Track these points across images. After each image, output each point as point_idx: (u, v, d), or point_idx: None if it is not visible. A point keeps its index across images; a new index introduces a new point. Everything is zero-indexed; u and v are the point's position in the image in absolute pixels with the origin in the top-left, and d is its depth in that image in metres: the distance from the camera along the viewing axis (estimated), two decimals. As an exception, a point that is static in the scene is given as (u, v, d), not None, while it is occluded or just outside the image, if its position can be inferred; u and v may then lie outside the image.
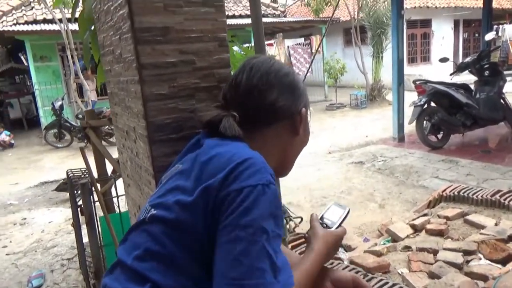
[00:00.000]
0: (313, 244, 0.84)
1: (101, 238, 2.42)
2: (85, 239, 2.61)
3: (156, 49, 1.00)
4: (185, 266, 0.70)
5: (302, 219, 2.90)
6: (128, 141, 1.26)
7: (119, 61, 1.16)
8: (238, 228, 0.64)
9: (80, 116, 7.91)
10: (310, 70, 13.41)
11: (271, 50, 11.34)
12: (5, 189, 6.13)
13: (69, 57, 8.26)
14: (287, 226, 2.04)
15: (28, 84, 10.98)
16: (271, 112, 0.86)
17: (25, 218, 4.73)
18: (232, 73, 1.03)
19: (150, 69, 1.00)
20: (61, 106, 8.86)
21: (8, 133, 9.52)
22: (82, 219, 2.50)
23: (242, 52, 2.84)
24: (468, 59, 6.29)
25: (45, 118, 10.03)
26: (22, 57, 12.85)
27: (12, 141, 9.42)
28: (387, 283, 2.04)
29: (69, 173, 2.69)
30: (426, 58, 15.85)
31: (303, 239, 2.59)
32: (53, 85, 10.41)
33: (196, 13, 1.04)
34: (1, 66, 12.41)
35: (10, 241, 4.07)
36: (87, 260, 2.72)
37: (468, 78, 7.24)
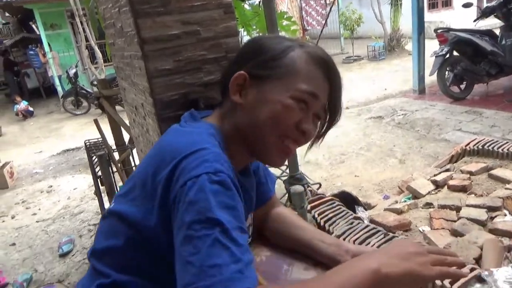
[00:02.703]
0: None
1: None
2: (107, 205, 2.69)
3: (157, 22, 0.94)
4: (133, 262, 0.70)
5: (320, 185, 2.88)
6: (138, 116, 1.23)
7: (121, 35, 1.10)
8: (184, 227, 0.57)
9: (95, 82, 7.93)
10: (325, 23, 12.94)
11: (282, 5, 10.88)
12: (30, 158, 6.32)
13: (79, 23, 8.15)
14: (305, 193, 2.02)
15: (42, 52, 10.97)
16: (222, 77, 0.84)
17: (51, 186, 4.89)
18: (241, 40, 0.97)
19: (153, 44, 0.95)
20: (76, 74, 8.89)
21: (26, 102, 9.68)
22: (103, 188, 2.55)
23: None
24: (493, 3, 5.89)
25: (61, 86, 10.10)
26: (34, 26, 12.76)
27: (31, 109, 9.59)
28: (408, 243, 2.02)
29: (87, 143, 2.71)
30: (448, 3, 14.96)
31: (321, 200, 2.58)
32: (66, 52, 10.38)
33: (197, -22, 0.96)
34: (14, 37, 12.40)
35: (39, 209, 4.23)
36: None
37: (493, 22, 6.82)
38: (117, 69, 1.36)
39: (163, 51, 0.96)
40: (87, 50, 9.72)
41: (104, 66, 9.74)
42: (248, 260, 0.56)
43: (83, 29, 8.90)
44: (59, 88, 10.24)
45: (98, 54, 8.99)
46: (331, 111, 0.83)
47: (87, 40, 9.33)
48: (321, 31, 4.10)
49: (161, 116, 0.99)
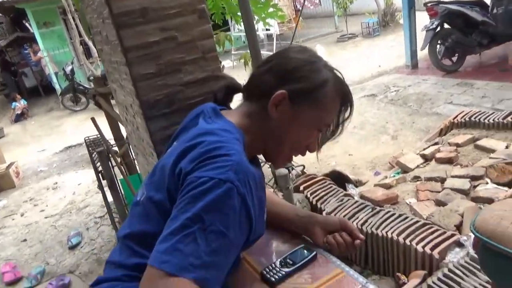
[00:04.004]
0: None
1: (125, 198, 2.61)
2: (111, 198, 2.82)
3: (138, 31, 1.04)
4: None
5: (304, 166, 3.00)
6: (129, 115, 1.34)
7: (107, 42, 1.20)
8: (180, 211, 0.70)
9: (92, 78, 7.99)
10: (318, 1, 12.85)
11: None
12: (34, 156, 6.46)
13: (71, 19, 8.17)
14: (290, 175, 2.14)
15: (33, 51, 11.00)
16: (254, 85, 0.92)
17: (56, 183, 5.04)
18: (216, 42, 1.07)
19: (135, 51, 1.05)
20: (72, 70, 8.94)
21: (25, 101, 9.80)
22: (105, 182, 2.68)
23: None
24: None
25: (58, 83, 10.17)
26: (27, 24, 12.73)
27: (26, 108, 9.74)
28: (393, 214, 2.15)
29: (86, 140, 2.83)
30: (441, -27, 14.76)
31: (313, 180, 2.70)
32: (61, 49, 10.40)
33: (171, -12, 1.05)
34: (8, 37, 12.39)
35: (46, 205, 4.39)
36: (115, 217, 2.95)
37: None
38: (107, 72, 1.46)
39: (145, 57, 1.07)
40: (81, 46, 9.76)
41: (100, 61, 9.79)
42: (211, 263, 0.68)
43: (76, 25, 8.92)
44: (57, 86, 10.31)
45: (93, 49, 8.98)
46: (334, 132, 0.97)
47: (80, 35, 9.37)
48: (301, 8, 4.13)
49: (148, 116, 1.11)
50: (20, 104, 9.55)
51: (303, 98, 0.86)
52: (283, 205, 1.10)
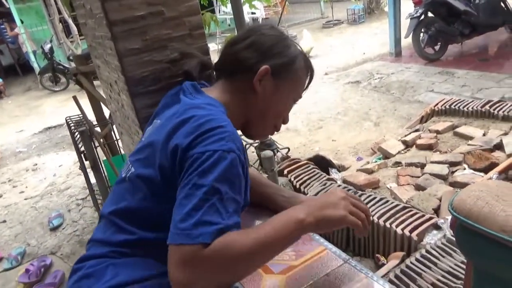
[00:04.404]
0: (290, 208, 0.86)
1: (108, 180, 2.58)
2: (93, 180, 2.78)
3: (123, 4, 1.01)
4: (159, 220, 0.78)
5: (289, 149, 3.03)
6: (113, 93, 1.32)
7: (91, 16, 1.17)
8: (194, 187, 0.71)
9: (72, 57, 7.77)
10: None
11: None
12: (12, 137, 6.29)
13: (50, -5, 7.89)
14: (275, 157, 2.15)
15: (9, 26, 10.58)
16: (233, 61, 0.94)
17: (36, 164, 4.93)
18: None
19: (121, 25, 1.03)
20: (51, 49, 8.65)
21: (1, 79, 9.46)
22: (87, 163, 2.64)
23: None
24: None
25: (37, 62, 9.86)
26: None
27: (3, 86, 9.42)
28: (374, 198, 2.20)
29: (68, 120, 2.77)
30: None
31: (297, 164, 2.73)
32: (39, 27, 10.06)
33: (158, -39, 1.03)
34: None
35: (26, 187, 4.30)
36: (98, 199, 2.91)
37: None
38: (91, 47, 1.43)
39: (131, 32, 1.04)
40: (61, 24, 9.44)
41: (80, 40, 9.52)
42: (232, 222, 0.71)
43: (55, 1, 8.61)
44: (35, 65, 9.99)
45: (73, 27, 8.71)
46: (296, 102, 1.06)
47: (60, 13, 9.08)
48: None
49: (134, 93, 1.09)
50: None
51: (283, 72, 0.94)
52: (268, 186, 1.11)
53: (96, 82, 2.95)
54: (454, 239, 1.79)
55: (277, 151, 2.66)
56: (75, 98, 2.40)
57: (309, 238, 0.99)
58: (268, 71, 0.91)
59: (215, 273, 0.70)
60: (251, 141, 2.79)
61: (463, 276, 1.57)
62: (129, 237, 0.81)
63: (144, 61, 1.07)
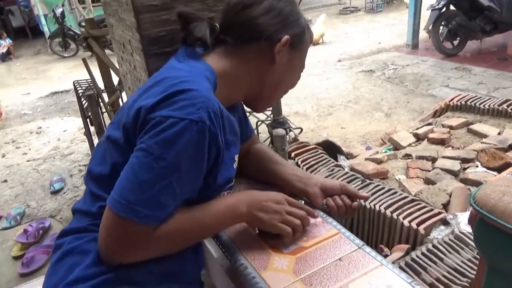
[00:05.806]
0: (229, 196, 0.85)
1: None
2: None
3: (144, -45, 0.94)
4: None
5: (301, 129, 2.96)
6: (126, 53, 1.26)
7: (108, -32, 1.10)
8: (152, 156, 0.64)
9: (83, 23, 7.66)
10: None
11: None
12: (18, 99, 6.26)
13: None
14: (287, 137, 2.10)
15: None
16: (248, 27, 0.84)
17: (40, 127, 4.90)
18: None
19: (140, -22, 0.96)
20: (63, 13, 8.54)
21: (11, 40, 9.38)
22: (93, 128, 2.60)
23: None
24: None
25: (47, 26, 9.74)
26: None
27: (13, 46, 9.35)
28: (383, 188, 2.14)
29: (75, 84, 2.71)
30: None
31: (305, 148, 2.67)
32: (52, -11, 9.90)
33: None
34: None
35: (29, 149, 4.28)
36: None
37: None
38: (105, 4, 1.36)
39: (150, -14, 0.98)
40: (74, -12, 9.29)
41: (93, 6, 9.39)
42: (181, 202, 0.71)
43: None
44: (45, 28, 9.87)
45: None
46: None
47: (73, -23, 8.92)
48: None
49: (148, 53, 1.03)
50: (5, 42, 9.15)
51: (297, 42, 0.88)
52: (281, 163, 1.04)
53: (106, 51, 2.89)
54: (462, 236, 1.75)
55: (290, 130, 2.59)
56: (84, 60, 2.34)
57: (322, 220, 0.94)
58: (289, 41, 0.84)
59: (151, 253, 0.69)
60: (263, 117, 2.72)
61: (469, 274, 1.53)
62: (103, 204, 0.74)
63: (162, 19, 1.01)
